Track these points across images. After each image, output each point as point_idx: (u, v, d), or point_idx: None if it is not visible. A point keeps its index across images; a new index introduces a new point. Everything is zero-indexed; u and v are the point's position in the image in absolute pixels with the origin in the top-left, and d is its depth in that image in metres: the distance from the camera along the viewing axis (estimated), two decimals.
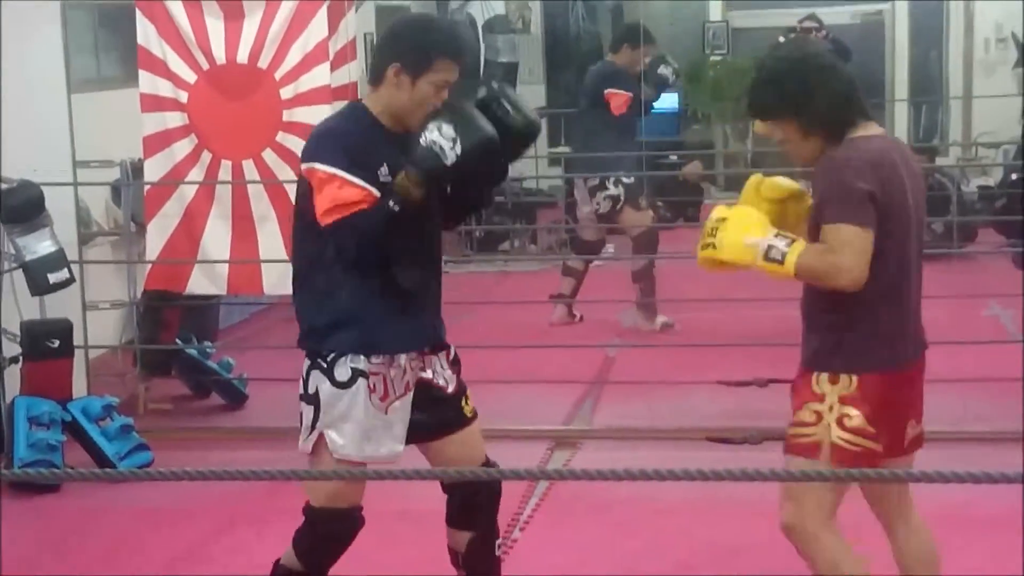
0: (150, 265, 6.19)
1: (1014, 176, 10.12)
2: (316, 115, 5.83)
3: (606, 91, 7.81)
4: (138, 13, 5.93)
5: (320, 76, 5.81)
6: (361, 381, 3.41)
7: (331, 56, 5.89)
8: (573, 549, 4.63)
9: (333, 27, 5.97)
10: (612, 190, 7.70)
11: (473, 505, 3.62)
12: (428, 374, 3.55)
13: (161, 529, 5.03)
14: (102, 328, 6.70)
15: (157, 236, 6.10)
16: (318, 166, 3.35)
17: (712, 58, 12.44)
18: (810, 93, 3.33)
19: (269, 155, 5.91)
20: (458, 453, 3.59)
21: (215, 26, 5.85)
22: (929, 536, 3.62)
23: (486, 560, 3.69)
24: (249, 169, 5.95)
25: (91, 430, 5.64)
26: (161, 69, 5.92)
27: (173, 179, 6.02)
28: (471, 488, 3.60)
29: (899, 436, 3.45)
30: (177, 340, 6.59)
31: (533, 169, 11.34)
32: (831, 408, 3.35)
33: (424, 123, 3.30)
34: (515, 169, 11.46)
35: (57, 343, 5.73)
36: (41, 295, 5.84)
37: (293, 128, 5.85)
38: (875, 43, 12.70)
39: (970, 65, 12.48)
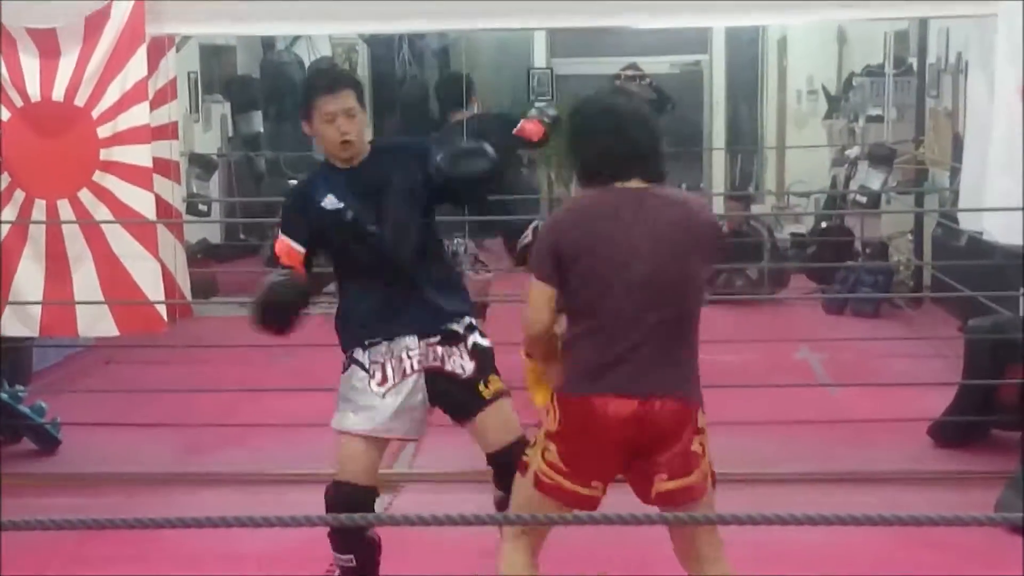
0: None
1: (824, 224, 10.50)
2: (134, 155, 5.76)
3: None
4: None
5: (139, 115, 5.72)
6: (353, 367, 4.14)
7: (151, 95, 5.81)
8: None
9: (153, 66, 5.89)
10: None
11: (501, 472, 4.12)
12: (437, 363, 4.14)
13: None
14: None
15: None
16: None
17: (537, 104, 12.59)
18: (573, 143, 3.71)
19: (85, 195, 5.79)
20: (483, 432, 4.19)
21: (30, 63, 5.72)
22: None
23: None
24: (64, 209, 5.82)
25: None
26: None
27: None
28: (501, 458, 4.13)
29: (587, 478, 3.63)
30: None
31: None
32: (540, 437, 3.69)
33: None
34: None
35: None
36: None
37: (111, 167, 5.74)
38: (694, 93, 13.04)
39: (783, 116, 12.91)
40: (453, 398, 4.19)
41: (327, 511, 4.07)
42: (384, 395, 4.11)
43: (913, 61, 9.92)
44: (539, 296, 3.62)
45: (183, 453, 6.35)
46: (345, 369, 4.18)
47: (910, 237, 9.81)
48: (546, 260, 3.59)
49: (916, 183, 9.57)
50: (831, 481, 5.74)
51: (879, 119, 10.56)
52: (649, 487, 3.60)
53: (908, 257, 9.68)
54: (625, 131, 3.62)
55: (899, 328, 8.65)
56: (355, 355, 4.16)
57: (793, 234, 11.00)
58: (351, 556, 4.17)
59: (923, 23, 9.22)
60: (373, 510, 4.14)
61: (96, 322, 5.92)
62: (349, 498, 4.04)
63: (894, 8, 5.94)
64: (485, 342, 4.24)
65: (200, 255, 10.55)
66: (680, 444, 3.59)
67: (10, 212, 5.84)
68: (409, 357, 4.14)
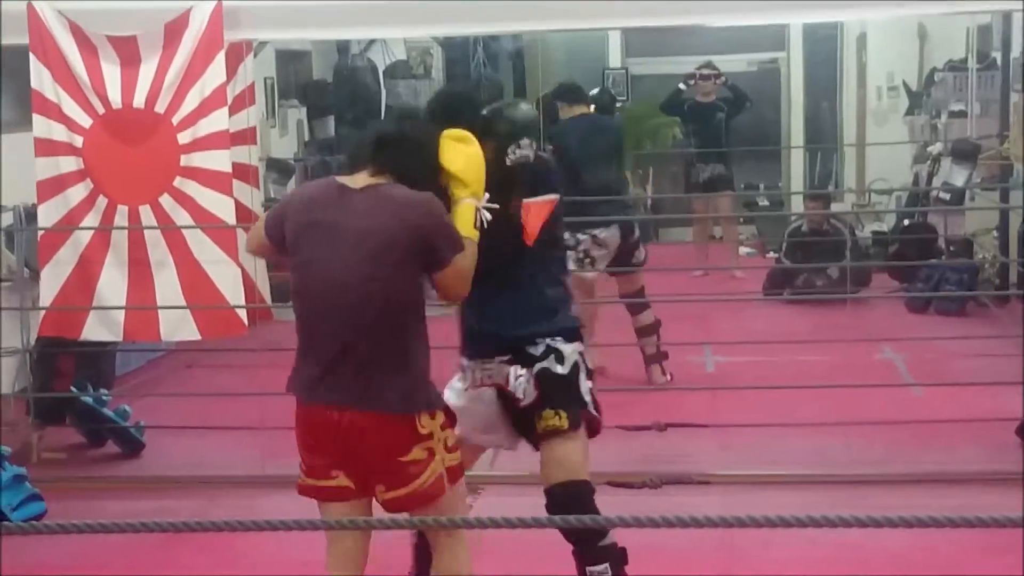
0: (44, 311, 6.08)
1: (906, 222, 10.35)
2: (214, 160, 5.81)
3: None
4: (32, 57, 5.85)
5: (218, 121, 5.77)
6: (457, 372, 4.09)
7: (229, 101, 5.86)
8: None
9: (231, 72, 5.94)
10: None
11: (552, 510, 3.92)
12: (502, 381, 3.94)
13: None
14: None
15: (51, 282, 6.00)
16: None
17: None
18: None
19: (166, 200, 5.85)
20: (541, 465, 3.96)
21: (111, 70, 5.79)
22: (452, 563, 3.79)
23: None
24: (146, 214, 5.88)
25: None
26: (55, 113, 5.85)
27: (67, 224, 5.94)
28: (549, 498, 3.93)
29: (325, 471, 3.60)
30: (72, 388, 6.48)
31: None
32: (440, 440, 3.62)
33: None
34: None
35: None
36: None
37: (191, 173, 5.80)
38: (771, 91, 12.92)
39: (863, 113, 12.75)
40: (518, 421, 4.00)
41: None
42: (462, 392, 4.04)
43: (997, 55, 9.74)
44: (258, 231, 3.73)
45: (263, 456, 6.39)
46: None
47: (995, 234, 9.63)
48: (276, 213, 3.68)
49: (1001, 179, 9.40)
50: (916, 482, 5.65)
51: (962, 114, 10.39)
52: (371, 492, 3.63)
53: (993, 254, 9.51)
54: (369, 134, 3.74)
55: (985, 326, 8.49)
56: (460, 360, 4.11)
57: (875, 232, 10.85)
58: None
59: (1007, 16, 9.05)
60: None
61: (178, 327, 5.97)
62: None
63: (975, 3, 5.83)
64: (559, 369, 3.92)
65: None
66: (393, 455, 3.53)
67: (93, 219, 5.91)
68: (484, 370, 4.00)
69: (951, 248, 9.77)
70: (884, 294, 9.61)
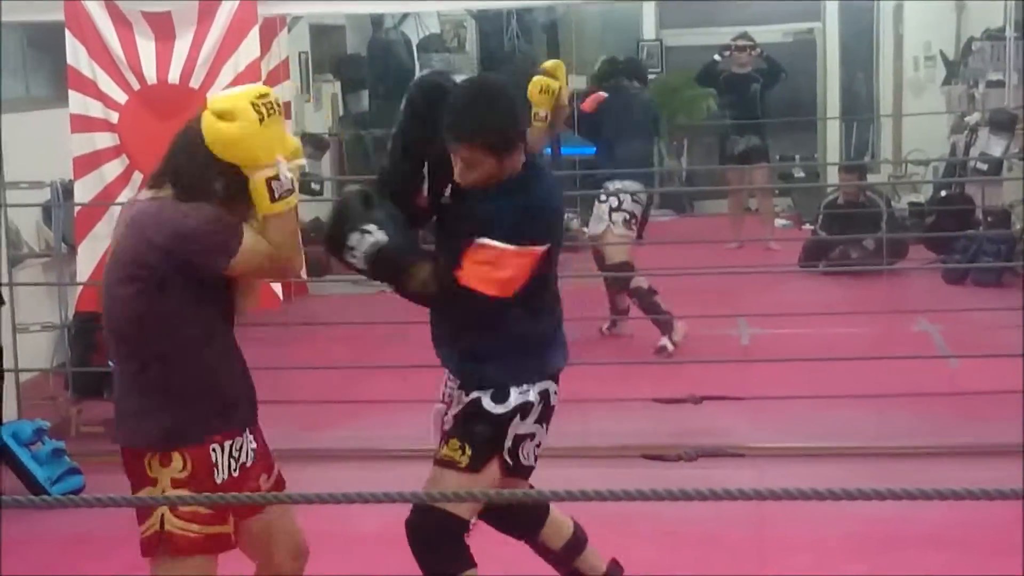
0: (81, 287, 6.13)
1: (943, 193, 10.27)
2: None
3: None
4: (68, 33, 5.88)
5: None
6: None
7: (264, 76, 5.87)
8: (505, 567, 4.63)
9: (266, 47, 5.96)
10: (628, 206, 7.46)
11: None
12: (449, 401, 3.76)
13: (92, 556, 4.97)
14: (33, 351, 6.62)
15: (88, 258, 6.04)
16: None
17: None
18: None
19: None
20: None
21: (146, 46, 5.82)
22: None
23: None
24: None
25: (22, 454, 5.57)
26: (91, 89, 5.88)
27: (104, 200, 5.97)
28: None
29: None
30: (109, 362, 6.52)
31: None
32: (163, 491, 3.20)
33: None
34: None
35: None
36: None
37: None
38: (807, 61, 12.84)
39: (900, 83, 12.65)
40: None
41: None
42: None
43: None
44: None
45: (295, 429, 6.42)
46: None
47: None
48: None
49: None
50: (952, 455, 5.63)
51: (1000, 84, 10.28)
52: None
53: None
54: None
55: (1022, 297, 8.43)
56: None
57: (911, 203, 10.78)
58: None
59: None
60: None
61: None
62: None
63: None
64: (494, 408, 3.60)
65: (313, 234, 10.66)
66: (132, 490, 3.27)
67: (128, 194, 5.94)
68: (448, 384, 3.81)
69: (988, 219, 9.70)
70: (920, 265, 9.56)
